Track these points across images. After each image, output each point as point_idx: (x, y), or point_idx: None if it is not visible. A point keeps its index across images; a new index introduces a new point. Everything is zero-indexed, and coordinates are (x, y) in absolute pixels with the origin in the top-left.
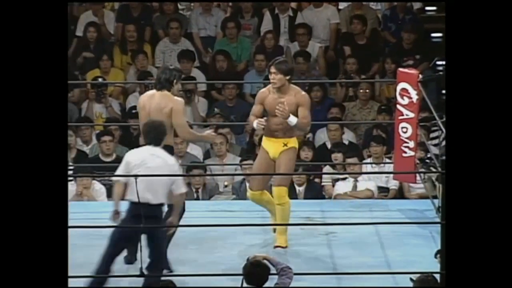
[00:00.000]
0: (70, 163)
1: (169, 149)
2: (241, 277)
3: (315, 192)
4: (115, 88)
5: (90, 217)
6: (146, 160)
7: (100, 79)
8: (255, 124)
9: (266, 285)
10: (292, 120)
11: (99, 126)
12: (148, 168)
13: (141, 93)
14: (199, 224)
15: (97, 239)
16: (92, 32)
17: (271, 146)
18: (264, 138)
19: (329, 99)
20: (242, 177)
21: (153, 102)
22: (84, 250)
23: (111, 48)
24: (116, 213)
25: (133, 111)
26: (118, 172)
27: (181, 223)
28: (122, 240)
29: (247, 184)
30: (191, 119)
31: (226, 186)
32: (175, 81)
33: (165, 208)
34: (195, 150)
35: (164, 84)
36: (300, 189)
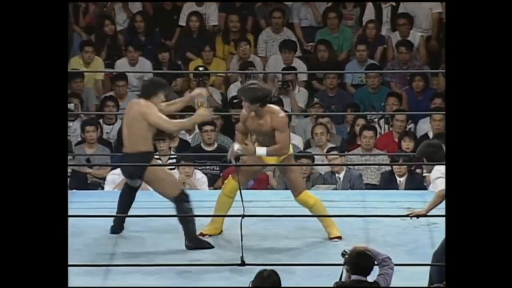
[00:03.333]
0: (173, 152)
1: (149, 155)
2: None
3: (416, 182)
4: (216, 78)
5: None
6: None
7: (201, 69)
8: (235, 146)
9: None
10: (261, 151)
11: None
12: None
13: (242, 83)
14: (297, 214)
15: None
16: (194, 22)
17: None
18: None
19: (431, 89)
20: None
21: (130, 111)
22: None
23: (214, 38)
24: None
25: (234, 100)
26: None
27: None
28: None
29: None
30: (289, 110)
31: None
32: (152, 94)
33: None
34: (296, 140)
35: (141, 95)
36: (401, 180)
